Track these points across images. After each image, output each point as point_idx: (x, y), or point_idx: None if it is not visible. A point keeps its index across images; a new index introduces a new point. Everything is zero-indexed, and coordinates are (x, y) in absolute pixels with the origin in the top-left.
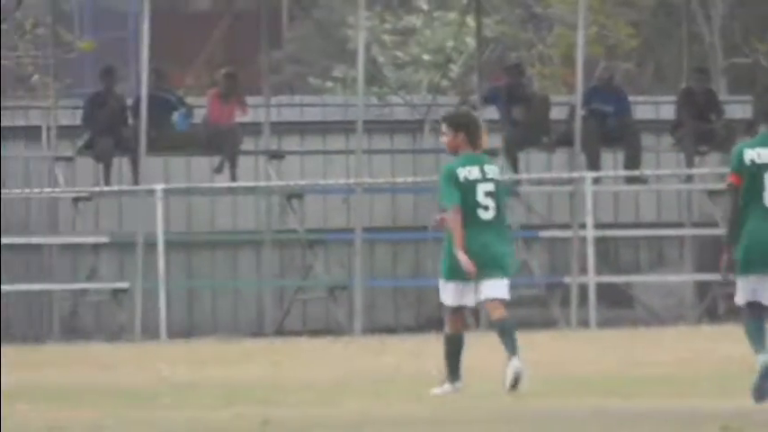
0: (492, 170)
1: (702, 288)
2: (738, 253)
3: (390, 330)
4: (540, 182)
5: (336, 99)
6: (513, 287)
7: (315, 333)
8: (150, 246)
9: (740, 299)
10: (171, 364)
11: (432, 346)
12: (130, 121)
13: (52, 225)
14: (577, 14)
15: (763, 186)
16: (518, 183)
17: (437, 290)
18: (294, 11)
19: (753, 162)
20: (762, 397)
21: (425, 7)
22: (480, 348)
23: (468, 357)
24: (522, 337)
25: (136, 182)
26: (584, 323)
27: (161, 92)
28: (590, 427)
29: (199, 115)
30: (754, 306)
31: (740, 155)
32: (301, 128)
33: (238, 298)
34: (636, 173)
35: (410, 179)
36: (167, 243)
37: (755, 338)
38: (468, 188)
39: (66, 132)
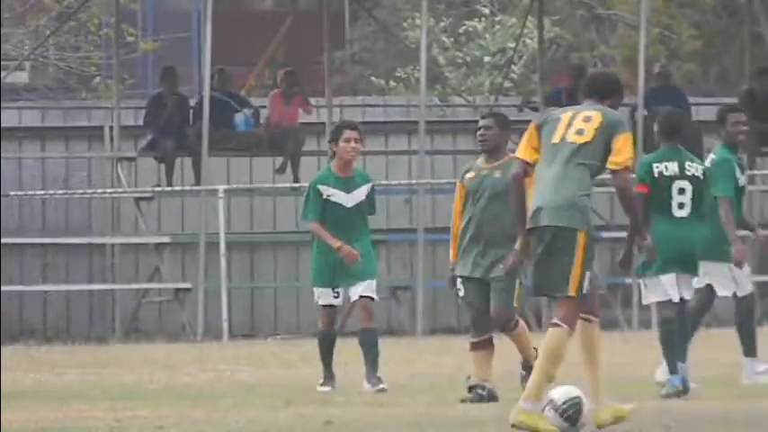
0: None
1: (764, 289)
2: (646, 254)
3: (452, 331)
4: (601, 183)
5: (399, 100)
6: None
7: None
8: (212, 246)
9: (654, 298)
10: (232, 365)
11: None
12: (192, 121)
13: (114, 225)
14: (640, 15)
15: (671, 196)
16: None
17: None
18: (357, 11)
19: (661, 174)
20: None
21: (486, 11)
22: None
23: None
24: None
25: (198, 182)
26: (645, 324)
27: (225, 93)
28: (652, 428)
29: (261, 116)
30: (671, 305)
31: (649, 168)
32: (364, 128)
33: (300, 298)
34: None
35: None
36: (229, 243)
37: (671, 349)
38: None
39: (128, 132)
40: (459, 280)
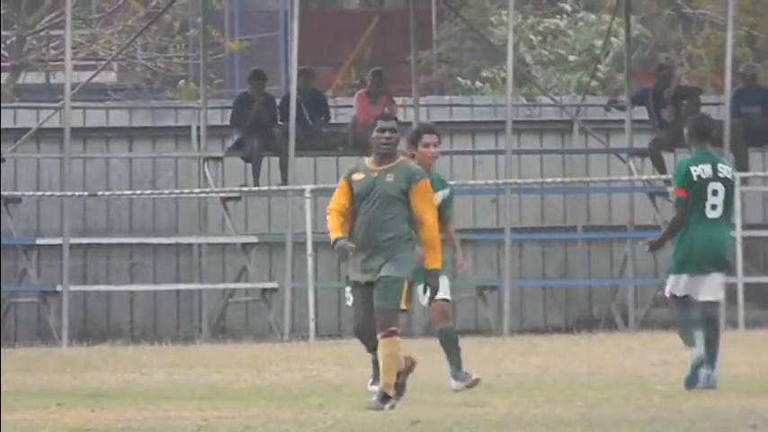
0: None
1: None
2: (678, 253)
3: (539, 331)
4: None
5: (485, 99)
6: (660, 287)
7: (463, 333)
8: (299, 246)
9: (674, 291)
10: (319, 365)
11: (580, 347)
12: (280, 121)
13: (201, 225)
14: (727, 15)
15: (705, 198)
16: (668, 182)
17: (586, 290)
18: (443, 11)
19: (699, 177)
20: (693, 386)
21: (569, 8)
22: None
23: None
24: (669, 338)
25: (285, 182)
26: (732, 324)
27: (308, 92)
28: (739, 427)
29: (348, 115)
30: (684, 300)
31: (687, 172)
32: (450, 128)
33: None
34: None
35: (559, 179)
36: (316, 243)
37: (688, 332)
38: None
39: (215, 132)
40: (348, 288)
